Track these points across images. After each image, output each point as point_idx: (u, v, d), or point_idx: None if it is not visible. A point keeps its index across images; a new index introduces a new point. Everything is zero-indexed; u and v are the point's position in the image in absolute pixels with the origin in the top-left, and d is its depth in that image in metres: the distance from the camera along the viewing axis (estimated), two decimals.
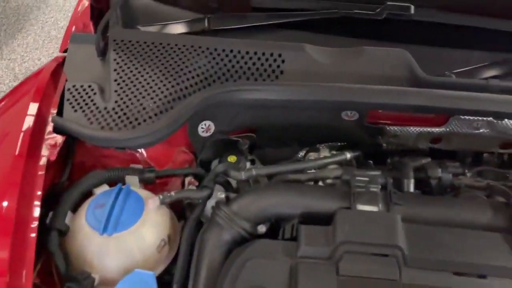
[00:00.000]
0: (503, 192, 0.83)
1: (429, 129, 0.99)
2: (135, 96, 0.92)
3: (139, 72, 0.95)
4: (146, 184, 0.91)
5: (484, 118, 0.93)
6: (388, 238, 0.73)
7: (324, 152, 1.01)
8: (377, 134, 1.02)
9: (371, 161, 1.01)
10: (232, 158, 1.01)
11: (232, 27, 1.07)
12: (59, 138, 0.86)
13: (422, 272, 0.72)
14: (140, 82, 0.94)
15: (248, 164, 1.02)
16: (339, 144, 1.09)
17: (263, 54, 0.97)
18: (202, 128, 0.97)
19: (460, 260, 0.73)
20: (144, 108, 0.90)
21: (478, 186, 0.89)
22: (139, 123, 0.88)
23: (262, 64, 0.97)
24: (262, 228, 0.81)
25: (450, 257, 0.73)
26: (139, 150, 0.94)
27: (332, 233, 0.75)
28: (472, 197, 0.86)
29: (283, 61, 0.97)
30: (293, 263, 0.73)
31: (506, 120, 0.93)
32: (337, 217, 0.76)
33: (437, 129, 0.99)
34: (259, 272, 0.72)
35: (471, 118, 0.94)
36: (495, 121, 0.93)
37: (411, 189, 0.87)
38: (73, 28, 1.15)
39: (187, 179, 0.98)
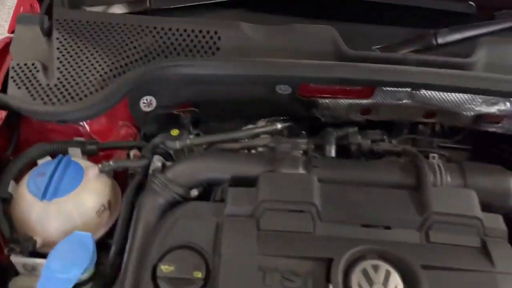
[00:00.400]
0: (413, 154, 0.91)
1: (357, 100, 1.07)
2: (76, 73, 0.97)
3: (81, 51, 1.00)
4: (89, 156, 0.97)
5: (404, 89, 1.00)
6: (304, 196, 0.81)
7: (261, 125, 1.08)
8: (311, 107, 1.09)
9: (304, 132, 1.08)
10: (175, 132, 1.07)
11: (173, 6, 1.12)
12: (2, 113, 0.91)
13: (333, 225, 0.80)
14: (82, 60, 0.99)
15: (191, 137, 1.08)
16: (281, 118, 1.16)
17: (200, 31, 1.02)
18: (144, 103, 1.03)
19: (368, 214, 0.81)
20: (85, 84, 0.95)
21: (395, 150, 0.97)
22: (80, 98, 0.94)
23: (199, 41, 1.02)
24: (194, 192, 0.89)
25: (359, 212, 0.82)
26: (82, 124, 0.99)
27: (255, 194, 0.82)
28: (388, 161, 0.95)
29: (219, 38, 1.02)
30: (219, 221, 0.80)
31: (423, 91, 1.00)
32: (260, 179, 0.84)
33: (365, 101, 1.06)
34: (187, 230, 0.80)
35: (393, 89, 1.01)
36: (414, 91, 1.01)
37: (332, 154, 0.95)
38: (21, 9, 1.18)
39: (132, 152, 1.04)
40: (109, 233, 0.90)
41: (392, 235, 0.80)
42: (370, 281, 0.72)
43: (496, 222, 0.82)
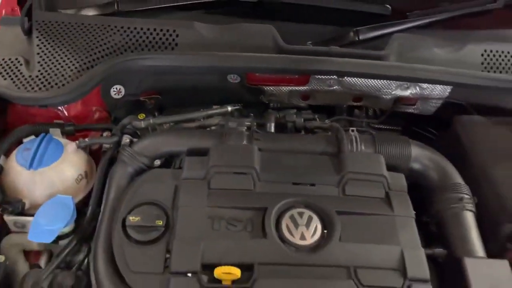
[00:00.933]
0: (337, 129, 1.12)
1: (296, 87, 1.27)
2: (55, 66, 1.13)
3: (58, 47, 1.17)
4: (67, 135, 1.14)
5: (331, 77, 1.21)
6: (246, 162, 1.00)
7: None
8: (259, 94, 1.29)
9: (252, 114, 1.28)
10: (141, 116, 1.24)
11: (138, 9, 1.30)
12: None
13: (269, 184, 0.99)
14: (59, 55, 1.15)
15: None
16: (237, 105, 1.35)
17: (161, 30, 1.20)
18: (114, 91, 1.20)
19: (297, 175, 1.01)
20: (62, 75, 1.12)
21: (324, 127, 1.18)
22: (58, 87, 1.10)
23: (160, 38, 1.20)
24: (157, 162, 1.07)
25: (290, 173, 1.01)
26: (61, 109, 1.16)
27: (207, 161, 1.01)
28: (317, 135, 1.16)
29: (177, 36, 1.20)
30: (178, 184, 0.99)
31: (348, 78, 1.21)
32: (211, 150, 1.02)
33: (302, 88, 1.27)
34: (151, 190, 0.97)
35: (323, 77, 1.22)
36: (340, 79, 1.22)
37: (272, 130, 1.15)
38: (3, 12, 1.34)
39: (105, 133, 1.22)
40: (87, 198, 1.06)
41: (316, 190, 0.99)
42: (296, 224, 0.92)
43: (399, 179, 1.03)
